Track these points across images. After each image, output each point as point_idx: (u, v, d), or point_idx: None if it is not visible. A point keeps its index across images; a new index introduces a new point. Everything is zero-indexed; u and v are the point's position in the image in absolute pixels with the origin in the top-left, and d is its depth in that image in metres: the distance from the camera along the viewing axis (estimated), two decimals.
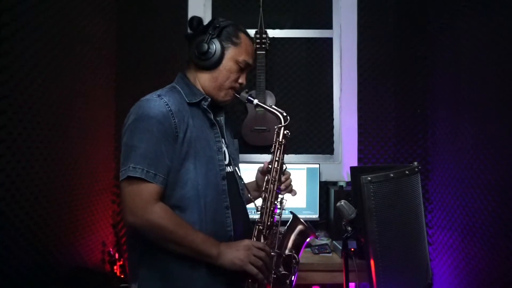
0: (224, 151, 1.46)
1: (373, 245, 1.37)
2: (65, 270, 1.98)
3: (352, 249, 1.86)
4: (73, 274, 2.01)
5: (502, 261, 1.96)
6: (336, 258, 2.13)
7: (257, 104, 1.48)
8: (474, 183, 2.15)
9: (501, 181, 1.97)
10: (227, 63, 1.42)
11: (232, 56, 1.42)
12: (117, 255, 2.52)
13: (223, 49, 1.41)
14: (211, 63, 1.41)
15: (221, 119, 1.54)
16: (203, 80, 1.44)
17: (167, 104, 1.30)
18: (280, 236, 1.46)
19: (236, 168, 1.53)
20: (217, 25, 1.42)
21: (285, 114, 1.48)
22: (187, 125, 1.33)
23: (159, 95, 1.33)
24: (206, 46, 1.39)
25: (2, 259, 1.56)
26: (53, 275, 1.86)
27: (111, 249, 2.52)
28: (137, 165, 1.23)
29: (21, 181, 1.67)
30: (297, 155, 2.71)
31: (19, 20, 1.64)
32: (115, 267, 2.49)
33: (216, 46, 1.40)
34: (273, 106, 1.51)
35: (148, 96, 1.35)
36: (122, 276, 2.51)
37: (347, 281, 1.58)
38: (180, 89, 1.42)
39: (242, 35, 1.45)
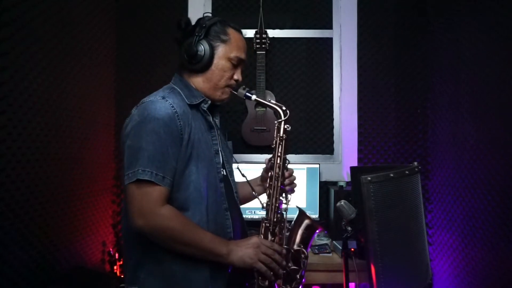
0: (220, 154, 1.47)
1: (373, 245, 1.37)
2: (65, 270, 1.98)
3: (352, 249, 1.86)
4: (73, 274, 2.01)
5: (502, 261, 1.96)
6: (336, 258, 2.13)
7: (255, 99, 1.45)
8: (474, 183, 2.15)
9: (501, 181, 1.97)
10: (219, 62, 1.40)
11: (223, 54, 1.39)
12: (117, 255, 2.52)
13: (212, 49, 1.38)
14: (202, 65, 1.38)
15: (217, 120, 1.52)
16: (197, 82, 1.42)
17: (172, 106, 1.29)
18: (287, 232, 1.46)
19: (229, 171, 1.51)
20: (203, 25, 1.38)
21: (284, 108, 1.44)
22: (191, 127, 1.33)
23: (163, 97, 1.31)
24: (194, 49, 1.36)
25: (2, 259, 1.56)
26: (53, 275, 1.86)
27: (111, 249, 2.52)
28: (146, 168, 1.22)
29: (21, 181, 1.67)
30: (297, 155, 2.71)
31: (19, 20, 1.64)
32: (115, 267, 2.49)
33: (204, 47, 1.36)
34: (272, 101, 1.49)
35: (152, 98, 1.33)
36: (122, 276, 2.51)
37: (347, 281, 1.58)
38: (179, 90, 1.40)
39: (230, 31, 1.41)
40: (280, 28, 2.73)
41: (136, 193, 1.23)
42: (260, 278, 1.32)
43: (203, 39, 1.37)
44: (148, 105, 1.29)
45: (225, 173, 1.47)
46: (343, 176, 2.68)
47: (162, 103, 1.29)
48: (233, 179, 1.53)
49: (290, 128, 1.45)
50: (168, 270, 1.29)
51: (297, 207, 1.54)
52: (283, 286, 1.37)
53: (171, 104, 1.29)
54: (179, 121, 1.29)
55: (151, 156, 1.23)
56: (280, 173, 1.43)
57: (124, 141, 1.30)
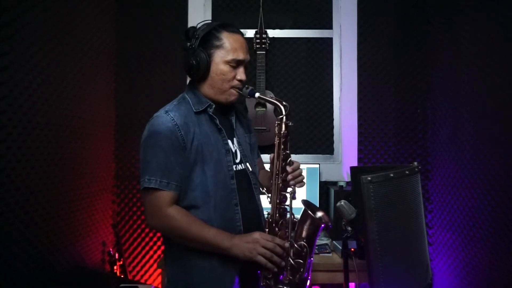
0: (234, 151, 1.53)
1: (373, 245, 1.37)
2: (65, 270, 1.98)
3: (352, 249, 1.87)
4: (73, 274, 2.02)
5: (502, 261, 1.96)
6: (336, 258, 2.13)
7: (259, 97, 1.48)
8: (474, 183, 2.15)
9: (501, 181, 1.97)
10: (217, 68, 1.45)
11: (220, 59, 1.44)
12: (117, 255, 2.52)
13: (207, 57, 1.43)
14: (201, 75, 1.46)
15: (232, 118, 1.58)
16: (203, 89, 1.50)
17: (172, 119, 1.41)
18: (294, 227, 1.49)
19: (248, 164, 1.56)
20: (196, 36, 1.44)
21: (284, 103, 1.47)
22: (194, 134, 1.43)
23: (166, 111, 1.44)
24: (190, 61, 1.44)
25: (2, 259, 1.56)
26: (53, 275, 1.86)
27: (111, 249, 2.52)
28: (152, 176, 1.39)
29: (21, 181, 1.67)
30: (297, 155, 2.70)
31: (19, 20, 1.64)
32: (115, 267, 2.49)
33: (199, 57, 1.43)
34: (273, 97, 1.54)
35: (158, 113, 1.46)
36: (122, 276, 2.51)
37: (347, 281, 1.58)
38: (189, 98, 1.50)
39: (224, 35, 1.45)
40: (280, 28, 2.73)
41: (146, 198, 1.42)
42: (263, 269, 1.40)
43: (197, 49, 1.43)
44: (154, 121, 1.44)
45: (242, 167, 1.55)
46: (343, 176, 2.68)
47: (164, 118, 1.42)
48: (253, 172, 1.58)
49: (291, 123, 1.48)
50: (183, 259, 1.46)
51: (302, 201, 1.54)
52: (290, 277, 1.42)
53: (171, 117, 1.42)
54: (180, 132, 1.41)
55: (155, 166, 1.39)
56: (279, 170, 1.46)
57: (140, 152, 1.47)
